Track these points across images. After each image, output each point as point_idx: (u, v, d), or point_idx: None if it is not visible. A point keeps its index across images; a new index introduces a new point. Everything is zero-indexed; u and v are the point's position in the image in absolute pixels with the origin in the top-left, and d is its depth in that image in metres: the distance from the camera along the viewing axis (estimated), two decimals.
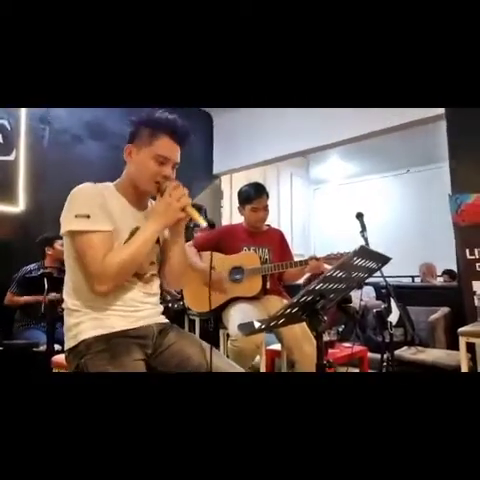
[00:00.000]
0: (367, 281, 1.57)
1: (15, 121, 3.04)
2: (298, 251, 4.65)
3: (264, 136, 4.13)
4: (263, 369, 2.11)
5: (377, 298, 3.54)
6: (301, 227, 6.17)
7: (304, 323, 1.44)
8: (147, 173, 1.13)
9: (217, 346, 2.24)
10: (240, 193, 2.18)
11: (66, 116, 3.38)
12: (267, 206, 2.15)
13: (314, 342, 1.75)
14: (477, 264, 2.35)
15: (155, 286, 1.25)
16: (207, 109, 4.60)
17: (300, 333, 1.86)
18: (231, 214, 4.61)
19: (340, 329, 3.29)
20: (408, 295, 3.27)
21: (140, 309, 1.17)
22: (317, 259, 1.94)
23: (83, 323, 1.10)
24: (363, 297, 3.69)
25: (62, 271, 2.81)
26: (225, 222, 4.55)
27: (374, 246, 1.71)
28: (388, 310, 2.16)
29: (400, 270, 3.87)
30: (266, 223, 2.24)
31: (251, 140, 4.23)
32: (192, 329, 2.80)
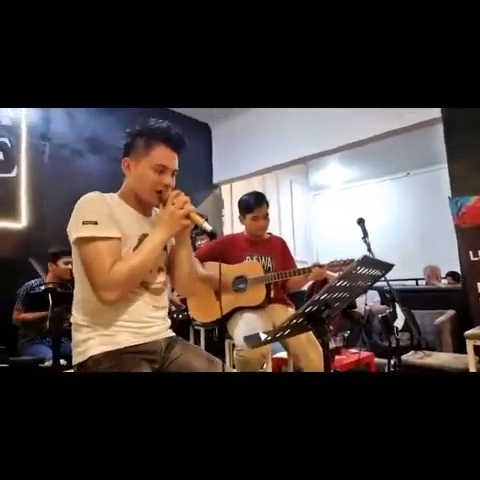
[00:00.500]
0: None
1: (16, 138, 3.07)
2: (300, 258, 4.65)
3: (263, 145, 4.15)
4: None
5: (382, 303, 3.53)
6: (302, 233, 6.17)
7: (310, 331, 1.44)
8: (148, 183, 1.14)
9: (222, 356, 2.23)
10: (240, 203, 2.19)
11: (66, 131, 3.41)
12: (267, 215, 2.15)
13: (320, 349, 1.75)
14: None
15: (164, 299, 1.25)
16: (205, 120, 4.64)
17: (306, 340, 1.86)
18: (232, 223, 4.62)
19: (346, 335, 3.28)
20: (413, 298, 3.26)
21: (149, 325, 1.16)
22: (321, 266, 1.94)
23: (92, 339, 1.09)
24: (368, 302, 3.68)
25: (64, 287, 2.82)
26: (226, 231, 4.55)
27: (376, 250, 1.72)
28: (393, 315, 2.15)
29: (403, 273, 3.86)
30: (267, 231, 2.24)
31: (250, 149, 4.26)
32: (197, 340, 2.79)
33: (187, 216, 1.12)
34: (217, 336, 2.46)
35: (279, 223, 5.46)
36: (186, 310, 2.58)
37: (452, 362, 2.58)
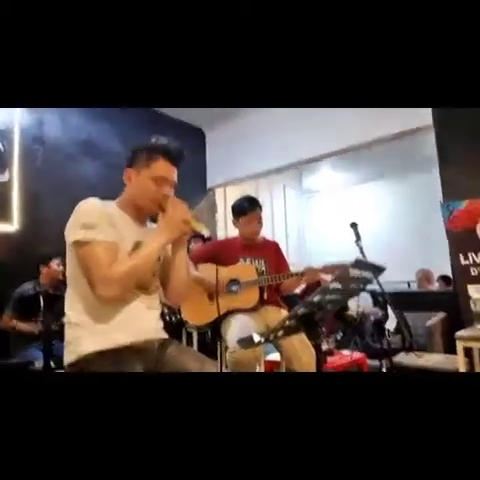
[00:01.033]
0: None
1: (8, 142, 3.06)
2: (294, 260, 4.67)
3: (256, 150, 4.18)
4: None
5: (374, 305, 3.55)
6: (296, 237, 6.20)
7: (303, 333, 1.45)
8: (148, 193, 1.19)
9: (215, 358, 2.24)
10: (234, 207, 2.21)
11: (60, 135, 3.40)
12: (261, 218, 2.17)
13: (313, 351, 1.76)
14: (471, 269, 2.38)
15: (157, 300, 1.27)
16: (200, 125, 4.66)
17: (298, 343, 1.87)
18: (226, 227, 4.63)
19: (338, 337, 3.30)
20: (405, 301, 3.30)
21: (142, 323, 1.18)
22: (314, 270, 1.95)
23: (84, 337, 1.10)
24: (360, 304, 3.71)
25: (57, 288, 2.80)
26: (220, 235, 4.56)
27: (368, 253, 1.74)
28: (385, 317, 2.17)
29: (395, 276, 3.89)
30: (261, 235, 2.25)
31: (244, 154, 4.28)
32: (190, 342, 2.79)
33: (185, 222, 1.16)
34: (210, 338, 2.46)
35: (272, 226, 5.48)
36: (179, 312, 2.58)
37: (443, 363, 2.61)
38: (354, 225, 1.82)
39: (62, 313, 1.19)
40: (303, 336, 1.82)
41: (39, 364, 2.35)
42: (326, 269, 1.93)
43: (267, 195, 5.46)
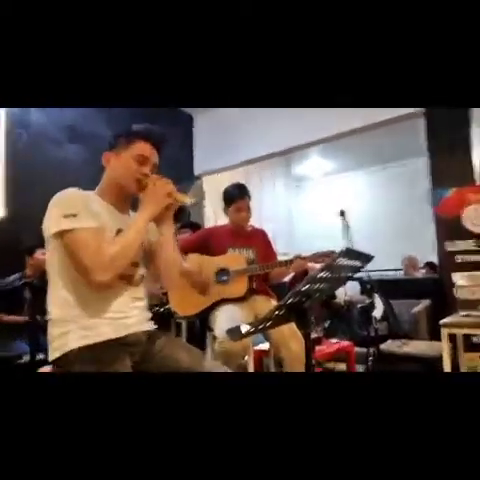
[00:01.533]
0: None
1: None
2: (282, 249, 4.67)
3: (246, 136, 4.12)
4: (251, 368, 2.11)
5: (361, 293, 3.60)
6: (284, 225, 6.20)
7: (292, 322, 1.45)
8: (128, 172, 1.17)
9: (204, 348, 2.23)
10: (224, 194, 2.19)
11: (44, 120, 3.30)
12: (249, 207, 2.16)
13: (301, 339, 1.77)
14: (456, 256, 2.40)
15: (143, 290, 1.25)
16: (188, 110, 4.56)
17: (287, 331, 1.87)
18: (214, 215, 4.59)
19: (326, 325, 3.33)
20: (391, 289, 3.34)
21: (128, 316, 1.16)
22: (302, 258, 1.95)
23: (70, 332, 1.07)
24: (347, 292, 3.75)
25: (44, 280, 2.75)
26: (208, 222, 4.53)
27: (356, 240, 1.75)
28: (372, 305, 2.20)
29: (382, 264, 3.93)
30: (249, 224, 2.24)
31: (232, 140, 4.23)
32: (179, 332, 2.78)
33: (169, 195, 1.15)
34: (199, 328, 2.45)
35: (260, 214, 5.46)
36: (167, 303, 2.56)
37: (428, 350, 2.66)
38: (343, 213, 1.83)
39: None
40: (292, 325, 1.83)
41: (26, 357, 2.32)
42: (315, 258, 1.94)
43: (256, 182, 5.44)
